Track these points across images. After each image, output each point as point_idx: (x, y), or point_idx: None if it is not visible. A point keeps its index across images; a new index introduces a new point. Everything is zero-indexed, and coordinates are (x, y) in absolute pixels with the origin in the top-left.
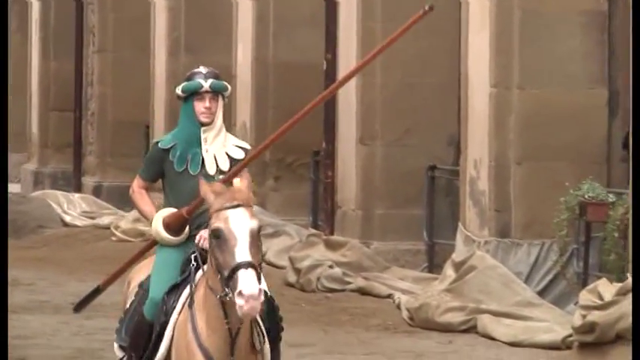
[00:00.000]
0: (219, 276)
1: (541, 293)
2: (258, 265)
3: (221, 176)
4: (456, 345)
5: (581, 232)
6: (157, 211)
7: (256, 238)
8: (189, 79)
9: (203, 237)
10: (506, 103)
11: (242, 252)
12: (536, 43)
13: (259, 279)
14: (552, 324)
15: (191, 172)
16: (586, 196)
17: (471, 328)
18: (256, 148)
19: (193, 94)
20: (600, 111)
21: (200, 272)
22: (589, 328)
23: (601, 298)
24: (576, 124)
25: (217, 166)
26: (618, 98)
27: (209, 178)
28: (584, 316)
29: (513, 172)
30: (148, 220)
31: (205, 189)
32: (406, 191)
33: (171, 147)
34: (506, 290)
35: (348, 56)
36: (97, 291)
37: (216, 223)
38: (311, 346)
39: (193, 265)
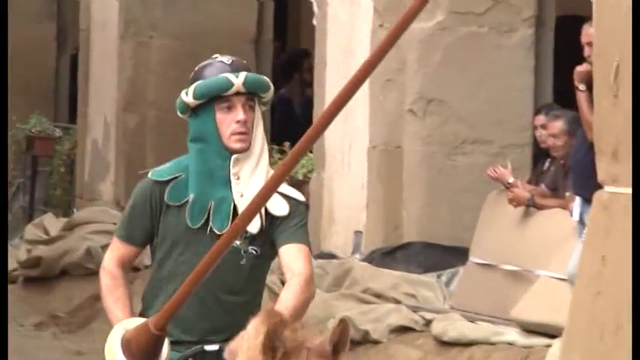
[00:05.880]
0: None
1: None
2: None
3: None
4: None
5: (28, 166)
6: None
7: None
8: (200, 76)
9: (230, 351)
10: None
11: None
12: None
13: None
14: None
15: (216, 231)
16: (33, 130)
17: None
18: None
19: (214, 99)
20: (49, 45)
21: None
22: (34, 262)
23: (47, 232)
24: (24, 57)
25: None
26: (67, 33)
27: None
28: (29, 251)
29: None
30: None
31: (258, 326)
32: None
33: (171, 179)
34: None
35: None
36: None
37: None
38: None
39: None
